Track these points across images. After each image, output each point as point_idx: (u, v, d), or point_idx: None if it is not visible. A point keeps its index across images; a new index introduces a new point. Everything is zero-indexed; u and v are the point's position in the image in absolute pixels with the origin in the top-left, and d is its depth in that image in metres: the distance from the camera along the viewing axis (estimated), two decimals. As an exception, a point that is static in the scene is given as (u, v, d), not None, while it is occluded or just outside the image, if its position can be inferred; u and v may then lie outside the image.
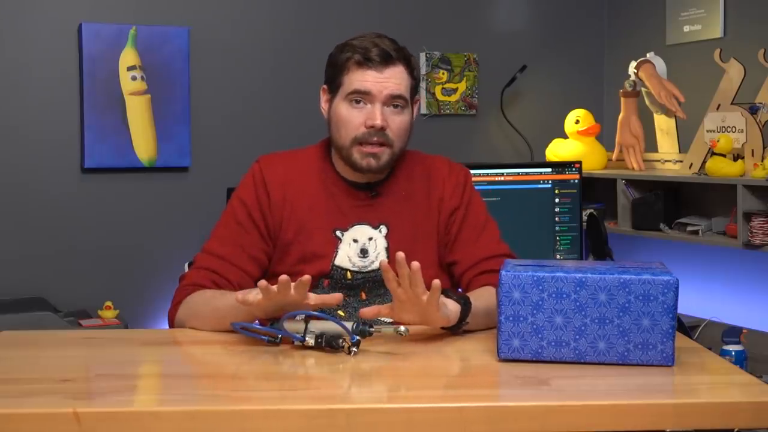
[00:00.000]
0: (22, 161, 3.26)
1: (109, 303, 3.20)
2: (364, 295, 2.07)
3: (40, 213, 3.28)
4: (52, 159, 3.29)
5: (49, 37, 3.26)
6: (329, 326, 1.77)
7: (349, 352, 1.74)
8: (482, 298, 1.95)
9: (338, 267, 2.06)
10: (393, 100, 2.02)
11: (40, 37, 3.25)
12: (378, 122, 2.00)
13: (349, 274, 2.06)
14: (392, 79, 2.01)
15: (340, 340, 1.75)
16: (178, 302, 2.02)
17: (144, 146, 3.35)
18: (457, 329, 1.88)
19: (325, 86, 2.11)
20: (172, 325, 2.03)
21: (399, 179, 2.13)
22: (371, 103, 2.01)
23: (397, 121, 2.03)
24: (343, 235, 2.07)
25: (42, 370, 1.67)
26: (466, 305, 1.87)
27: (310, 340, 1.76)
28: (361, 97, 2.02)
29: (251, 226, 2.08)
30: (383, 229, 2.09)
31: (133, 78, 3.33)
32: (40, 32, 3.25)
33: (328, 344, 1.75)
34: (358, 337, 1.75)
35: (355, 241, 2.07)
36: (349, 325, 1.76)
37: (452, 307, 1.85)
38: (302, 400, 1.54)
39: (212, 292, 1.99)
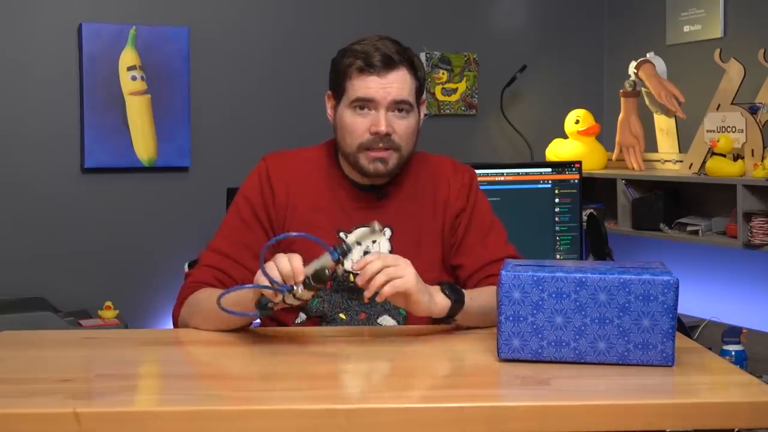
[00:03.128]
0: (22, 161, 3.26)
1: (109, 303, 3.20)
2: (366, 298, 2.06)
3: (40, 213, 3.28)
4: (52, 159, 3.29)
5: (49, 37, 3.26)
6: (310, 268, 1.75)
7: (337, 274, 1.74)
8: (481, 297, 1.95)
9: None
10: (397, 105, 2.00)
11: (40, 37, 3.25)
12: (382, 128, 1.99)
13: (352, 276, 2.04)
14: (395, 84, 1.99)
15: (326, 271, 1.73)
16: (182, 301, 2.02)
17: (144, 146, 3.36)
18: (443, 322, 1.92)
19: (330, 92, 2.10)
20: (176, 323, 2.03)
21: (405, 181, 2.12)
22: (375, 109, 2.00)
23: (402, 126, 2.02)
24: (346, 237, 2.06)
25: (42, 370, 1.67)
26: (457, 303, 1.88)
27: (298, 288, 1.72)
28: (364, 104, 2.00)
29: (256, 224, 2.07)
30: (387, 231, 2.08)
31: (133, 78, 3.33)
32: (40, 32, 3.25)
33: (316, 281, 1.72)
34: (338, 255, 1.73)
35: (359, 243, 2.06)
36: (325, 260, 1.73)
37: (441, 301, 1.87)
38: (302, 400, 1.54)
39: (213, 291, 1.99)
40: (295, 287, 1.73)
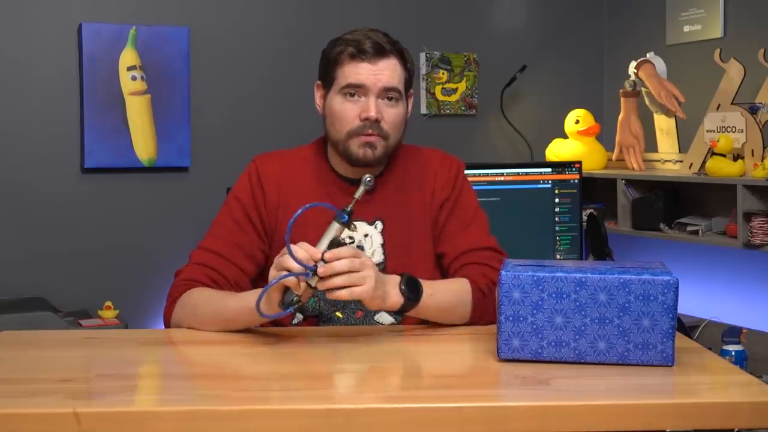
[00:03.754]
0: (22, 161, 3.26)
1: (109, 303, 3.20)
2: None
3: (40, 213, 3.28)
4: (52, 159, 3.29)
5: (49, 37, 3.26)
6: (323, 243, 1.77)
7: (350, 228, 1.81)
8: (447, 294, 1.95)
9: (334, 265, 2.05)
10: (387, 93, 2.02)
11: (40, 37, 3.25)
12: (372, 114, 1.99)
13: None
14: (386, 71, 2.01)
15: (340, 238, 1.78)
16: (175, 299, 2.01)
17: (144, 146, 3.36)
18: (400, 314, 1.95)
19: (319, 82, 2.11)
20: (167, 322, 2.02)
21: (394, 174, 2.12)
22: (365, 95, 2.01)
23: (392, 114, 2.03)
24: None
25: (42, 370, 1.67)
26: (410, 301, 1.88)
27: (320, 266, 1.74)
28: (355, 90, 2.01)
29: (248, 225, 2.08)
30: (379, 224, 2.08)
31: (133, 78, 3.33)
32: (40, 32, 3.25)
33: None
34: (347, 217, 1.78)
35: (351, 238, 2.07)
36: (335, 228, 1.78)
37: (394, 297, 1.86)
38: (302, 400, 1.54)
39: (212, 292, 1.99)
40: (319, 266, 1.74)
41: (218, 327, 1.93)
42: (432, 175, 2.14)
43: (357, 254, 1.80)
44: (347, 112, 2.02)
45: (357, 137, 2.02)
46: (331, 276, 1.76)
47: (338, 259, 1.77)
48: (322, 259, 1.75)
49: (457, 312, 1.97)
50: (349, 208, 1.79)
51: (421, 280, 1.92)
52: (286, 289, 1.77)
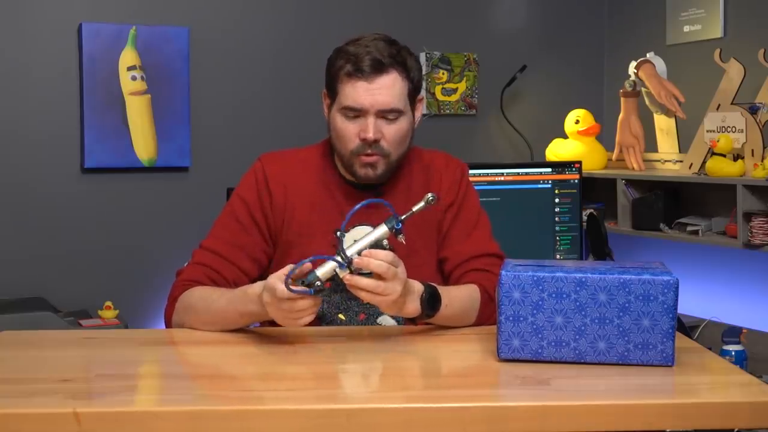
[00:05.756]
0: (22, 161, 3.26)
1: (109, 303, 3.20)
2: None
3: (40, 213, 3.28)
4: (52, 159, 3.29)
5: (49, 37, 3.26)
6: (363, 241, 1.78)
7: (398, 237, 1.81)
8: (460, 303, 1.95)
9: (340, 268, 2.05)
10: (385, 113, 2.00)
11: (40, 37, 3.25)
12: (370, 136, 1.98)
13: None
14: (384, 90, 1.98)
15: (384, 242, 1.79)
16: (175, 299, 2.01)
17: (144, 146, 3.36)
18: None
19: (325, 91, 2.10)
20: (168, 322, 2.02)
21: (400, 178, 2.12)
22: (363, 116, 1.99)
23: (392, 131, 2.01)
24: (344, 237, 2.06)
25: (42, 370, 1.67)
26: (428, 316, 1.89)
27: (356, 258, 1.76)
28: (353, 111, 2.00)
29: (252, 226, 2.07)
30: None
31: (133, 78, 3.33)
32: (40, 32, 3.25)
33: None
34: (399, 224, 1.80)
35: (356, 242, 2.06)
36: (382, 230, 1.80)
37: (411, 308, 1.85)
38: (302, 400, 1.54)
39: (210, 290, 1.98)
40: (354, 258, 1.75)
41: (215, 327, 1.93)
42: (437, 178, 2.13)
43: (394, 263, 1.79)
44: (347, 131, 2.01)
45: (358, 157, 2.01)
46: (361, 273, 1.77)
47: (376, 259, 1.77)
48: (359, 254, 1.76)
49: (465, 320, 1.98)
50: (403, 217, 1.81)
51: (439, 289, 1.91)
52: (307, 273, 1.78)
